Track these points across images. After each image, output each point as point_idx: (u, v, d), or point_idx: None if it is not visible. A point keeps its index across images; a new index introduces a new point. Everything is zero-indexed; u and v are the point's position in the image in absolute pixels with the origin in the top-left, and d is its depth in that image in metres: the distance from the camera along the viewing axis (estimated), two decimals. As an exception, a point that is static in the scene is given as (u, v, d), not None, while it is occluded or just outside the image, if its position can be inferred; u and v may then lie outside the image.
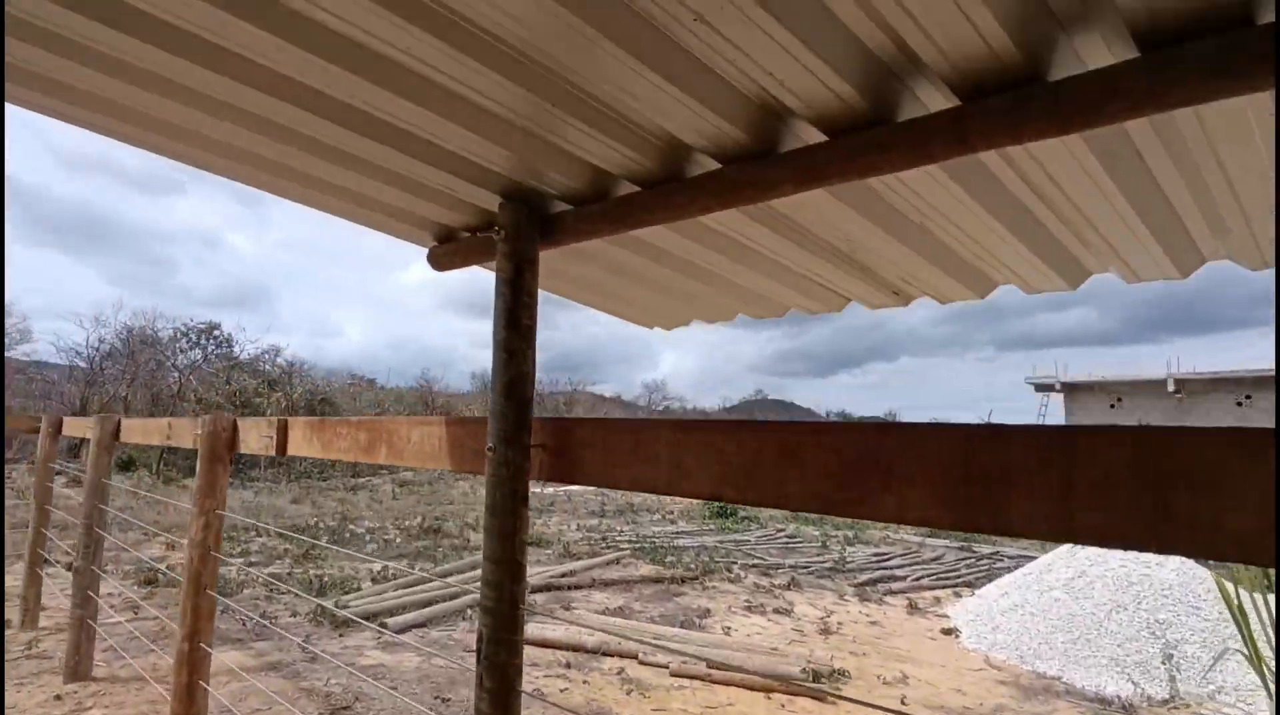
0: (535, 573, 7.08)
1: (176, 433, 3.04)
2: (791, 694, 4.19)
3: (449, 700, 3.67)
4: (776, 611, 6.42)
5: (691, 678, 4.35)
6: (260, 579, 6.46)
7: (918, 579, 8.31)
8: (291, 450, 2.27)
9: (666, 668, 4.46)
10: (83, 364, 17.32)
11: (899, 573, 8.60)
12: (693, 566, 8.01)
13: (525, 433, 1.32)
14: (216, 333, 17.64)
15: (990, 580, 8.05)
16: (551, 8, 0.94)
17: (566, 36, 1.01)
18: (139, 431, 3.49)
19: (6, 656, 4.10)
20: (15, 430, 4.90)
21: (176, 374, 16.60)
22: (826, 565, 8.88)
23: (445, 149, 1.31)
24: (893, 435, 0.89)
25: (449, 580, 6.38)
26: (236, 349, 18.54)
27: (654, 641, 4.87)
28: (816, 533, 12.81)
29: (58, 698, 3.42)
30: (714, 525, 13.33)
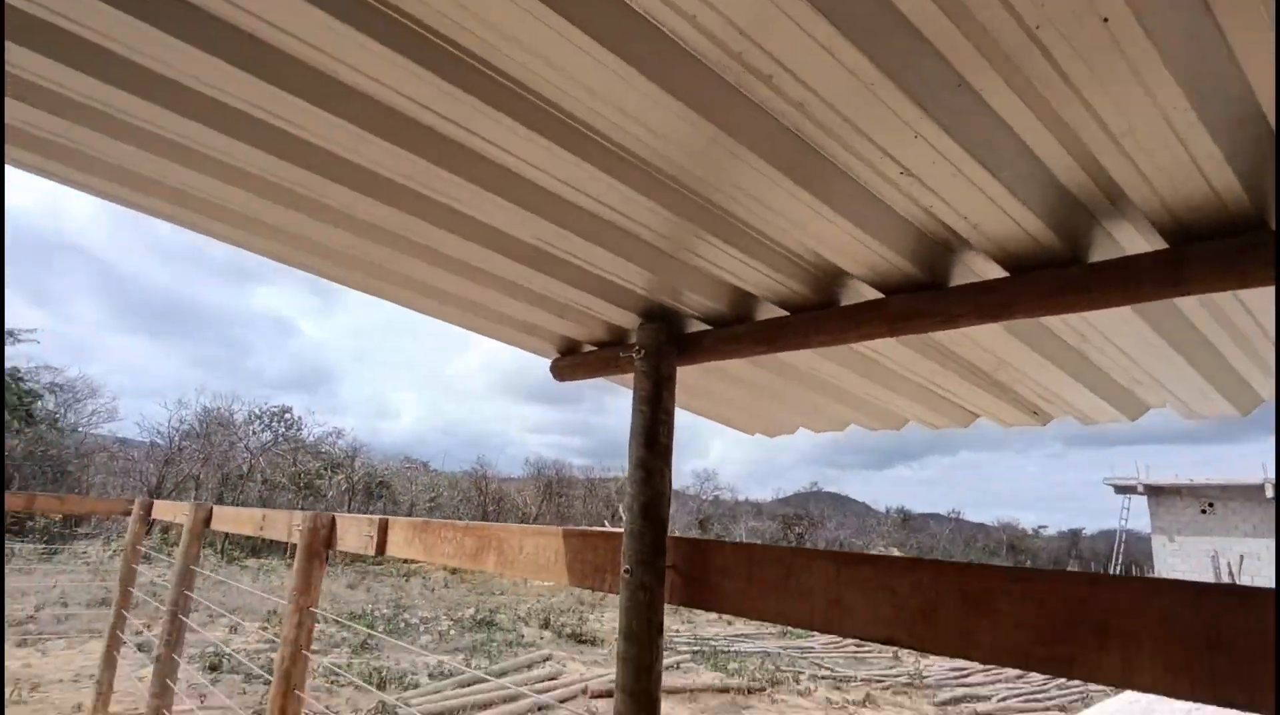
0: (594, 676, 6.80)
1: (270, 525, 3.09)
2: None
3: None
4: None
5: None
6: (320, 668, 6.37)
7: (1004, 699, 7.65)
8: (391, 551, 2.27)
9: (743, 793, 4.14)
10: (161, 443, 18.10)
11: (982, 691, 7.94)
12: (757, 676, 7.57)
13: (661, 556, 1.29)
14: (287, 416, 18.31)
15: (1085, 704, 7.35)
16: (699, 124, 0.96)
17: (709, 154, 1.04)
18: (231, 520, 3.57)
19: (77, 744, 4.09)
20: (106, 512, 5.08)
21: (248, 454, 17.16)
22: (901, 679, 8.27)
23: (587, 270, 1.35)
24: (1105, 587, 0.83)
25: (504, 680, 6.18)
26: (305, 432, 19.15)
27: (727, 762, 4.56)
28: (886, 641, 12.04)
29: (128, 794, 3.37)
30: (774, 629, 12.68)
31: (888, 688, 7.85)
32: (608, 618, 12.30)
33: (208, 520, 3.79)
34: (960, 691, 7.78)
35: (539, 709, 5.56)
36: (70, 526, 15.07)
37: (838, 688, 7.61)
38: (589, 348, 1.71)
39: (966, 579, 0.94)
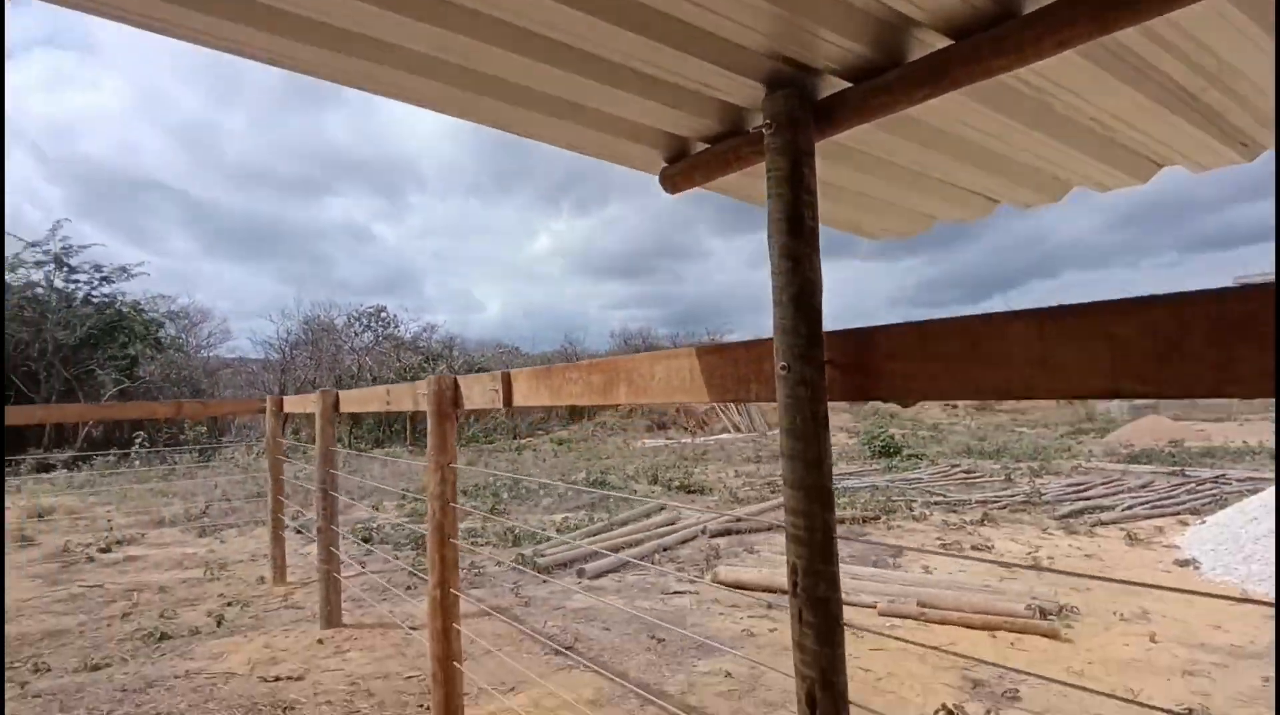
0: (709, 518, 7.11)
1: (396, 398, 3.20)
2: (1019, 631, 3.90)
3: (664, 640, 3.72)
4: (974, 548, 6.04)
5: (901, 617, 4.16)
6: (459, 533, 6.92)
7: (1129, 508, 7.53)
8: (518, 401, 2.29)
9: (873, 607, 4.30)
10: (275, 355, 19.42)
11: (1105, 502, 7.84)
12: (869, 507, 7.72)
13: (818, 348, 1.18)
14: (383, 314, 19.10)
15: (1220, 507, 7.14)
16: None
17: None
18: (357, 401, 3.74)
19: (268, 607, 4.64)
20: (243, 412, 5.46)
21: (354, 355, 18.18)
22: (1018, 499, 8.26)
23: (702, 28, 1.16)
24: None
25: (626, 528, 6.55)
26: (401, 329, 20.01)
27: (853, 582, 4.71)
28: (996, 466, 11.99)
29: (319, 642, 3.81)
30: (879, 464, 12.84)
31: (1004, 507, 7.86)
32: (711, 470, 12.74)
33: (336, 405, 3.98)
34: (1081, 505, 7.71)
35: (663, 550, 5.89)
36: (216, 437, 16.67)
37: (953, 511, 7.68)
38: (701, 147, 1.55)
39: (1224, 305, 0.78)
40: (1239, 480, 9.09)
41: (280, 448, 5.39)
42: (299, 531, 7.44)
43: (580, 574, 5.07)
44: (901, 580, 4.80)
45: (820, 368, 1.19)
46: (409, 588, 4.96)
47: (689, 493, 10.06)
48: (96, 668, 3.56)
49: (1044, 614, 4.07)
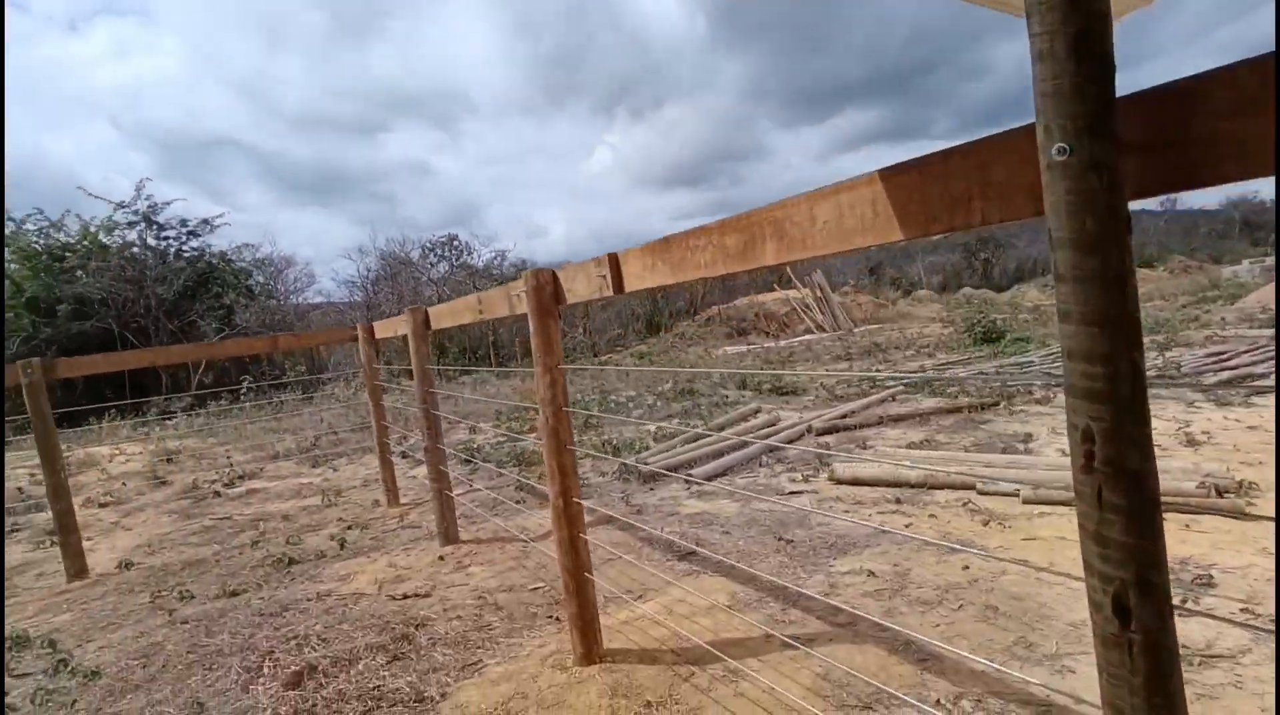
0: (812, 416, 6.80)
1: (489, 304, 2.96)
2: (1194, 512, 3.47)
3: (791, 541, 3.50)
4: (1112, 428, 5.51)
5: (1050, 505, 3.79)
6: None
7: (1284, 375, 6.75)
8: (631, 284, 1.98)
9: (1015, 496, 3.94)
10: (359, 294, 19.89)
11: (1257, 370, 7.05)
12: (985, 394, 7.21)
13: (1112, 117, 0.81)
14: (455, 243, 19.13)
15: (1401, 365, 6.27)
16: None
17: None
18: (448, 315, 3.55)
19: (386, 528, 4.70)
20: (336, 341, 5.43)
21: (432, 286, 18.40)
22: (1150, 374, 7.54)
23: None
24: None
25: (725, 432, 6.33)
26: (474, 257, 20.05)
27: (987, 470, 4.35)
28: (1112, 344, 11.05)
29: (440, 559, 3.79)
30: (982, 351, 12.11)
31: (1135, 384, 7.18)
32: (800, 370, 12.34)
33: (426, 321, 3.81)
34: (1226, 374, 6.95)
35: (769, 451, 5.65)
36: (314, 374, 17.41)
37: (1077, 391, 7.08)
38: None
39: None
40: None
41: (377, 375, 5.36)
42: (404, 456, 7.61)
43: (688, 480, 4.90)
44: (1041, 465, 4.39)
45: (1116, 146, 0.81)
46: (518, 502, 4.93)
47: (781, 395, 9.75)
48: (234, 593, 3.65)
49: (1220, 492, 3.61)
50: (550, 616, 2.95)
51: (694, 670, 2.33)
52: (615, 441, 6.67)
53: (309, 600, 3.37)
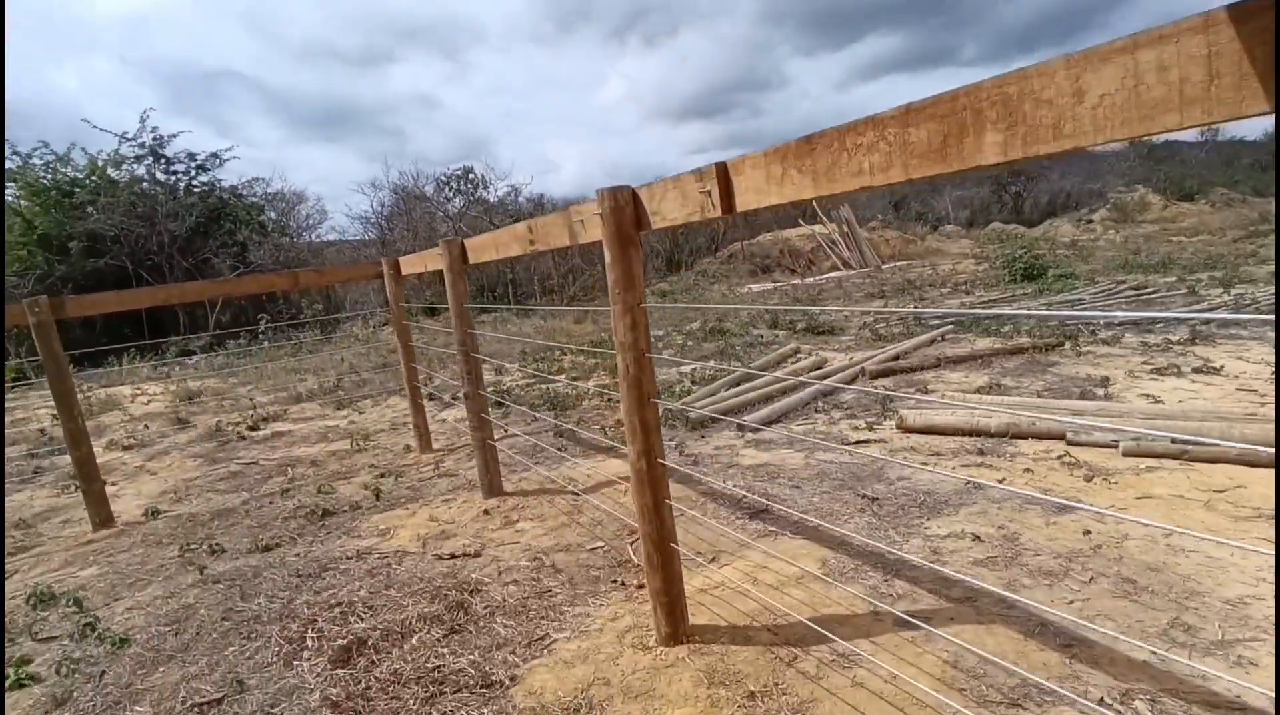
0: (862, 358, 6.42)
1: (543, 233, 2.57)
2: (1329, 469, 3.10)
3: (875, 498, 3.17)
4: (1197, 372, 5.10)
5: (1154, 456, 3.43)
6: (591, 392, 6.58)
7: (1374, 314, 6.25)
8: (748, 202, 1.59)
9: (1113, 447, 3.58)
10: (374, 232, 19.38)
11: (1342, 309, 6.55)
12: (1041, 334, 6.78)
13: None
14: (471, 176, 18.46)
15: None
16: None
17: None
18: (490, 246, 3.16)
19: (421, 477, 4.43)
20: (360, 277, 5.07)
21: (449, 222, 17.87)
22: (1219, 312, 7.05)
23: None
24: None
25: (778, 373, 5.97)
26: (490, 192, 19.40)
27: (1075, 418, 3.97)
28: (1169, 280, 10.50)
29: (485, 512, 3.52)
30: (1024, 288, 11.57)
31: (1208, 322, 6.71)
32: (833, 308, 11.88)
33: (464, 255, 3.42)
34: (1309, 313, 6.46)
35: (823, 396, 5.30)
36: (332, 313, 17.15)
37: (1148, 332, 6.63)
38: None
39: None
40: None
41: (404, 314, 5.02)
42: (431, 397, 7.34)
43: (741, 427, 4.57)
44: (1137, 413, 4.01)
45: None
46: (560, 449, 4.64)
47: (817, 335, 9.34)
48: (268, 548, 3.41)
49: (1352, 445, 3.22)
50: (615, 581, 2.67)
51: (796, 653, 2.04)
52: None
53: (348, 559, 3.12)
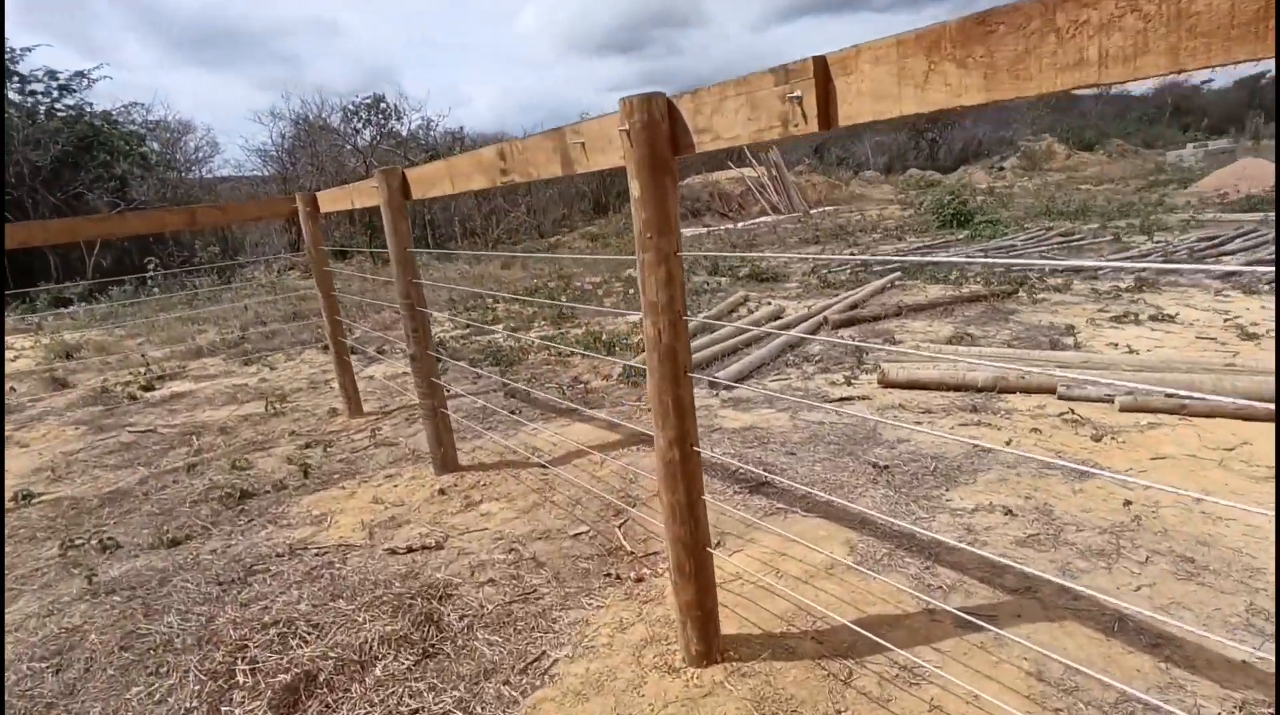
0: (821, 308, 6.18)
1: (520, 161, 2.06)
2: (1329, 423, 3.04)
3: (885, 467, 2.90)
4: (1154, 319, 5.11)
5: (1151, 412, 3.31)
6: (536, 344, 6.09)
7: (1298, 262, 6.48)
8: (858, 112, 1.16)
9: (1107, 402, 3.44)
10: (273, 168, 17.61)
11: (1262, 255, 6.77)
12: (992, 281, 6.72)
13: None
14: (383, 105, 16.95)
15: None
16: None
17: None
18: (442, 178, 2.59)
19: (354, 446, 3.90)
20: (271, 215, 4.35)
21: (359, 155, 16.44)
22: (1152, 260, 7.19)
23: None
24: None
25: (739, 324, 5.65)
26: (403, 124, 17.94)
27: (1062, 371, 3.82)
28: (1093, 227, 10.77)
29: (441, 492, 3.05)
30: (955, 234, 11.66)
31: (1143, 270, 6.81)
32: (770, 253, 11.65)
33: (405, 189, 2.85)
34: (1236, 261, 6.64)
35: (790, 348, 5.02)
36: (230, 257, 15.66)
37: (1093, 277, 6.67)
38: None
39: None
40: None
41: (324, 258, 4.35)
42: (354, 351, 6.65)
43: (713, 384, 4.23)
44: (1119, 365, 3.90)
45: None
46: (515, 412, 4.17)
47: (761, 282, 9.08)
48: (175, 542, 2.84)
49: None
50: (608, 575, 2.29)
51: (851, 667, 1.72)
52: (605, 336, 5.91)
53: (279, 556, 2.60)
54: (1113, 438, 3.03)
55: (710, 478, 2.95)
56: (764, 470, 2.93)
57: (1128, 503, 2.40)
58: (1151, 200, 14.11)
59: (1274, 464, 2.65)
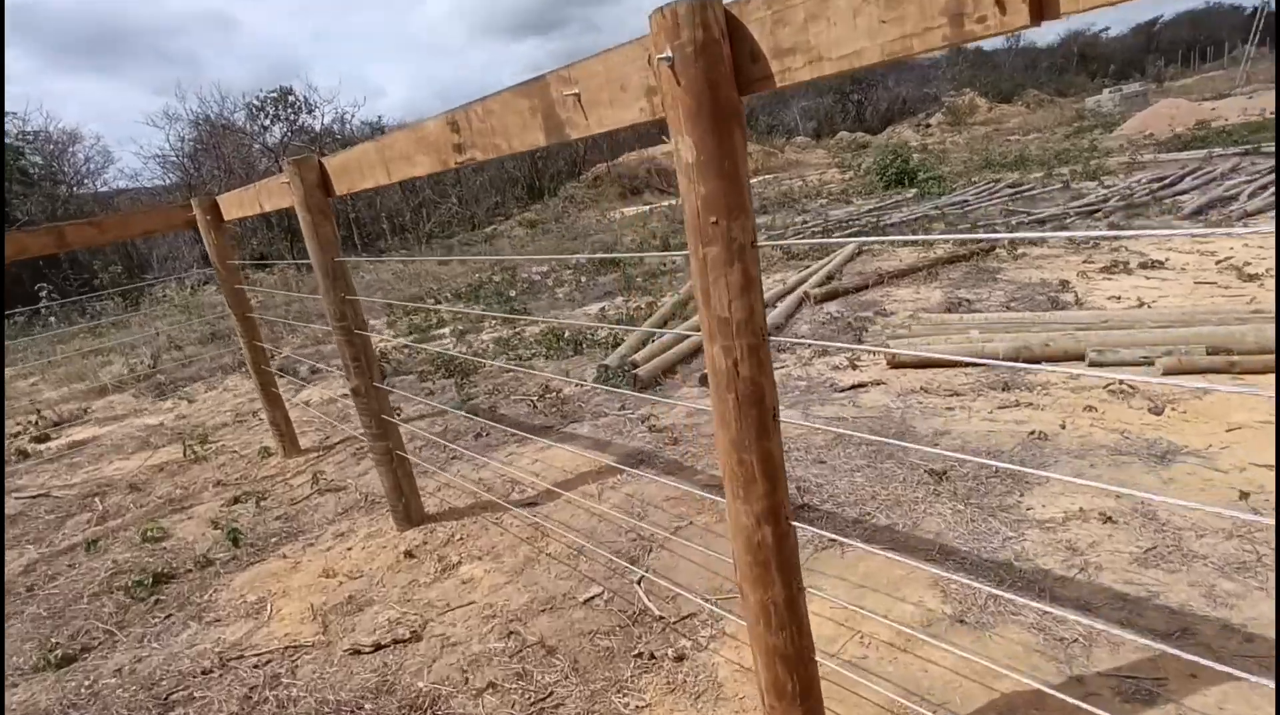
0: (797, 282, 5.76)
1: (482, 131, 1.50)
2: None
3: (941, 473, 2.47)
4: (1144, 267, 4.87)
5: (1196, 372, 2.99)
6: (490, 349, 5.50)
7: (1254, 195, 6.40)
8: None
9: (1146, 365, 3.10)
10: (174, 176, 16.16)
11: (1219, 194, 6.67)
12: (966, 243, 6.43)
13: None
14: (291, 98, 15.70)
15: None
16: None
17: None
18: (373, 164, 2.00)
19: (294, 496, 3.29)
20: (161, 227, 3.64)
21: (269, 153, 15.23)
22: (1115, 205, 7.03)
23: None
24: None
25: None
26: (315, 118, 16.71)
27: (1085, 333, 3.49)
28: (1038, 176, 10.69)
29: (408, 555, 2.48)
30: (900, 194, 11.44)
31: (1107, 216, 6.62)
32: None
33: (324, 182, 2.25)
34: (1201, 200, 6.52)
35: (775, 328, 4.58)
36: (135, 277, 14.33)
37: (1063, 227, 6.44)
38: None
39: None
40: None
41: (235, 274, 3.67)
42: (281, 374, 5.91)
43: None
44: (1144, 322, 3.58)
45: None
46: (481, 435, 3.61)
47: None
48: (66, 661, 2.20)
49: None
50: (639, 655, 1.80)
51: (1006, 781, 1.28)
52: (568, 335, 5.35)
53: (206, 672, 2.01)
54: (1173, 409, 2.68)
55: (720, 496, 2.47)
56: (796, 489, 2.47)
57: (1244, 495, 2.03)
58: (1084, 146, 14.25)
59: (1368, 426, 2.34)
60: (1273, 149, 9.29)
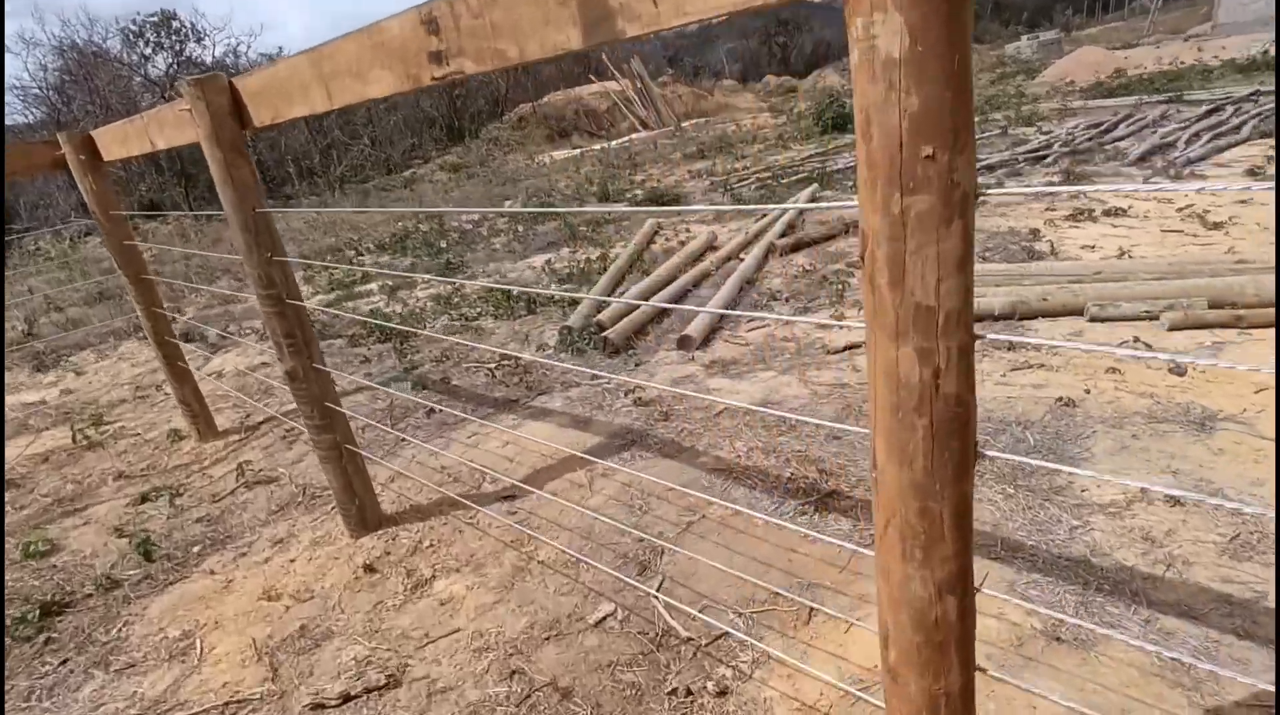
0: (757, 231, 5.45)
1: (478, 30, 1.07)
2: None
3: (982, 452, 2.23)
4: (1108, 214, 4.80)
5: (1204, 327, 2.87)
6: (429, 309, 4.99)
7: (1190, 142, 6.49)
8: None
9: (1151, 319, 2.97)
10: (38, 111, 14.21)
11: (1158, 142, 6.73)
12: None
13: None
14: (176, 24, 13.94)
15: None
16: None
17: None
18: (307, 82, 1.51)
19: (216, 492, 2.80)
20: (24, 171, 2.97)
21: (151, 87, 13.57)
22: (1059, 151, 7.01)
23: None
24: None
25: (674, 260, 4.82)
26: (204, 48, 14.97)
27: (1074, 284, 3.33)
28: (976, 120, 10.68)
29: (368, 570, 2.07)
30: (839, 140, 11.26)
31: (1046, 163, 6.59)
32: (658, 173, 10.78)
33: (237, 110, 1.74)
34: (1143, 148, 6.56)
35: (747, 283, 4.27)
36: (2, 229, 12.67)
37: (1017, 173, 6.36)
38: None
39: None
40: (1267, 95, 8.26)
41: (123, 227, 3.04)
42: (187, 339, 5.21)
43: (683, 342, 3.40)
44: (1137, 273, 3.46)
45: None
46: (431, 412, 3.17)
47: (661, 204, 8.23)
48: (-71, 730, 1.72)
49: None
50: (673, 692, 1.50)
51: None
52: (516, 292, 4.87)
53: (120, 743, 1.58)
54: (1196, 369, 2.54)
55: (752, 492, 2.18)
56: (819, 472, 2.19)
57: (1311, 469, 1.88)
58: (1010, 92, 14.40)
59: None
60: (1195, 97, 9.54)
